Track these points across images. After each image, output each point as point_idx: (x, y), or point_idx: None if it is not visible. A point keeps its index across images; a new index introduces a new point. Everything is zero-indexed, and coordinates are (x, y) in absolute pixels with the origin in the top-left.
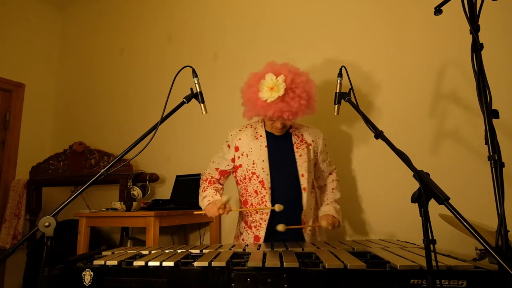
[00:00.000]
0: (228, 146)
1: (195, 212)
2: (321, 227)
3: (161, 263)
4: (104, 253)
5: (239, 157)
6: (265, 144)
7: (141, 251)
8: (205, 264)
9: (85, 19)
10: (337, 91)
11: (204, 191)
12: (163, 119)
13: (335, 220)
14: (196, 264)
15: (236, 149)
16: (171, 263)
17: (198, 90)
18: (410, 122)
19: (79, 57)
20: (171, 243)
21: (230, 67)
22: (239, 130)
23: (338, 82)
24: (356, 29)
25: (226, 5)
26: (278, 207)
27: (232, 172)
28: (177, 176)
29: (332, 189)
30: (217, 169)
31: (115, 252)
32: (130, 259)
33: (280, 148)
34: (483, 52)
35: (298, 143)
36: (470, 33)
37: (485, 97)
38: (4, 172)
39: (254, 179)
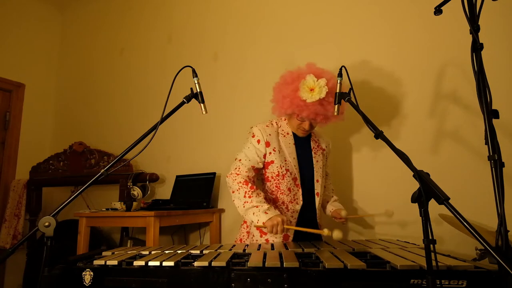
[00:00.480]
0: (258, 141)
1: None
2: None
3: (161, 263)
4: (104, 253)
5: (270, 153)
6: (293, 142)
7: (141, 251)
8: (205, 264)
9: (85, 19)
10: (337, 91)
11: (250, 197)
12: (163, 119)
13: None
14: (196, 264)
15: (267, 144)
16: (171, 263)
17: (198, 90)
18: (410, 122)
19: (79, 57)
20: (171, 243)
21: (230, 67)
22: (266, 126)
23: (338, 82)
24: (356, 29)
25: (226, 5)
26: (336, 235)
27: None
28: (177, 176)
29: (332, 190)
30: (253, 167)
31: (115, 252)
32: (130, 259)
33: (303, 149)
34: (483, 52)
35: (315, 148)
36: (470, 33)
37: (485, 97)
38: (4, 172)
39: (288, 176)
